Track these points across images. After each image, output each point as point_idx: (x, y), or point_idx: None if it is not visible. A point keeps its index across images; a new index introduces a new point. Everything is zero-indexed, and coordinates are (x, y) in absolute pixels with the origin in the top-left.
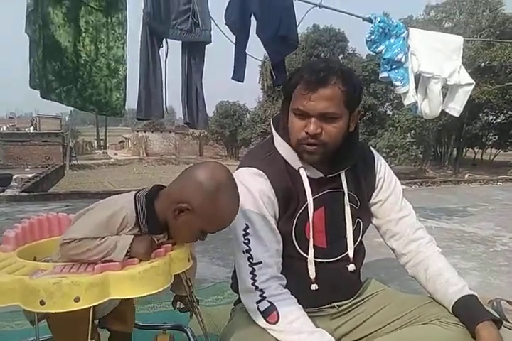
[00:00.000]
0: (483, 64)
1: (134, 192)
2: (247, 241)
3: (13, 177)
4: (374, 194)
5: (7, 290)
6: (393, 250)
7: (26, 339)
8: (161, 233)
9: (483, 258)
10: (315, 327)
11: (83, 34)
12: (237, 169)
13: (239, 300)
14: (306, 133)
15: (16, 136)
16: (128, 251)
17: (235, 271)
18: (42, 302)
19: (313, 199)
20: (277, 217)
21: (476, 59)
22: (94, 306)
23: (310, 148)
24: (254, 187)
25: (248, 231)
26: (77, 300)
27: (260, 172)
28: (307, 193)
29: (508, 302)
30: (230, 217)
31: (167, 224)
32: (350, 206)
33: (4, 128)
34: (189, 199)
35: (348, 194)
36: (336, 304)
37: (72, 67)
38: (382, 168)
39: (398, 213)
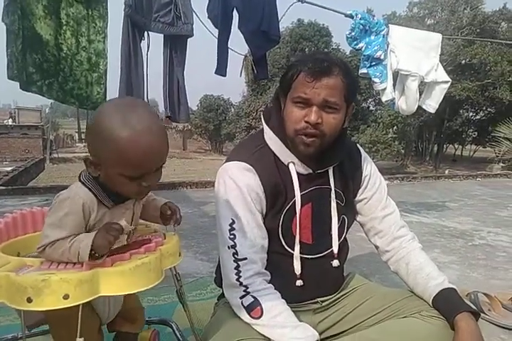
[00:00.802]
0: (463, 61)
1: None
2: (232, 236)
3: None
4: (360, 191)
5: None
6: (377, 247)
7: (7, 335)
8: (125, 200)
9: (462, 252)
10: (298, 322)
11: (64, 27)
12: (226, 162)
13: (222, 295)
14: (306, 122)
15: None
16: (92, 249)
17: (218, 265)
18: (29, 300)
19: (301, 195)
20: (264, 212)
21: (457, 56)
22: (93, 311)
23: (308, 140)
24: (242, 182)
25: (234, 226)
26: (66, 297)
27: (249, 166)
28: (295, 189)
29: (485, 294)
30: (139, 151)
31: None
32: (336, 203)
33: None
34: (90, 149)
35: (335, 190)
36: (319, 299)
37: (53, 60)
38: (369, 166)
39: (382, 211)
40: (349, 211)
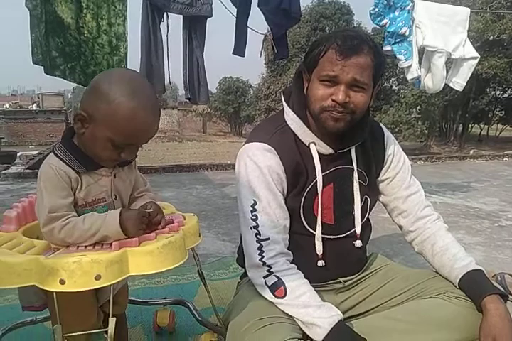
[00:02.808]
0: (491, 37)
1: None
2: (254, 217)
3: (18, 154)
4: (382, 171)
5: (22, 270)
6: (400, 227)
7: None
8: (99, 168)
9: (488, 233)
10: (322, 301)
11: (84, 10)
12: (246, 143)
13: (245, 274)
14: (334, 101)
15: (19, 114)
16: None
17: (240, 245)
18: (62, 282)
19: (323, 176)
20: (285, 193)
21: (485, 32)
22: (98, 291)
23: (337, 114)
24: (263, 163)
25: (256, 207)
26: (97, 278)
27: (270, 147)
28: (317, 169)
29: None
30: (136, 122)
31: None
32: (359, 183)
33: (7, 106)
34: (86, 106)
35: (357, 170)
36: (341, 279)
37: (75, 44)
38: (392, 145)
39: (406, 190)
40: (372, 191)
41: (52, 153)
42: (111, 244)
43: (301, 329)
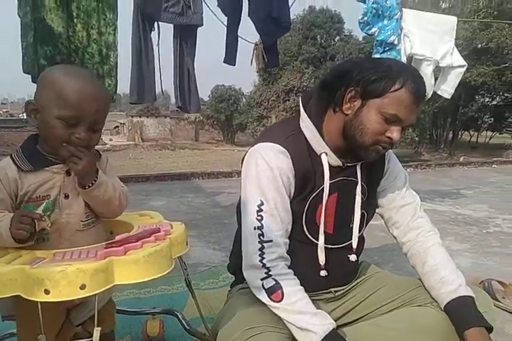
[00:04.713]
0: (479, 45)
1: None
2: (259, 217)
3: None
4: (380, 183)
5: (7, 280)
6: (395, 238)
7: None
8: (52, 164)
9: (476, 240)
10: (317, 309)
11: (75, 20)
12: (257, 143)
13: (235, 283)
14: (389, 138)
15: (10, 122)
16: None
17: (233, 251)
18: (46, 291)
19: (329, 184)
20: (291, 197)
21: (473, 40)
22: (70, 310)
23: (383, 151)
24: (275, 164)
25: (262, 207)
26: (82, 287)
27: (283, 149)
28: (325, 178)
29: (499, 282)
30: (76, 89)
31: (55, 152)
32: (360, 197)
33: None
34: (35, 98)
35: (361, 184)
36: (333, 289)
37: (66, 52)
38: (391, 160)
39: (401, 201)
40: (370, 206)
41: (9, 158)
42: (96, 254)
43: (289, 338)
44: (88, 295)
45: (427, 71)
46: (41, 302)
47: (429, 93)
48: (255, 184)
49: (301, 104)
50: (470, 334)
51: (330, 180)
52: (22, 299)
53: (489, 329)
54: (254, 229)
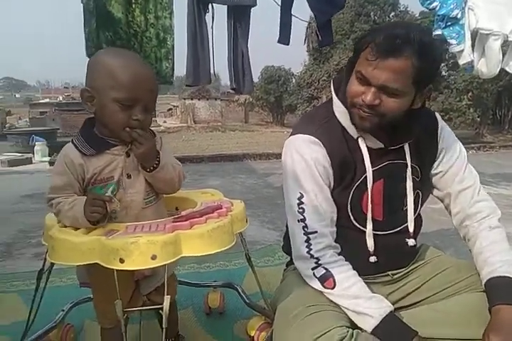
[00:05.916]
0: None
1: None
2: (301, 210)
3: None
4: (435, 164)
5: (87, 249)
6: (454, 224)
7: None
8: (112, 147)
9: None
10: (372, 293)
11: (133, 5)
12: (292, 134)
13: (291, 262)
14: (362, 100)
15: (71, 106)
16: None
17: (286, 232)
18: (121, 260)
19: (373, 171)
20: (332, 186)
21: None
22: (140, 280)
23: (364, 114)
24: (308, 156)
25: (302, 200)
26: (153, 258)
27: (315, 139)
28: (366, 165)
29: None
30: (130, 72)
31: (116, 136)
32: (412, 178)
33: (61, 99)
34: (88, 84)
35: (411, 166)
36: (390, 273)
37: (125, 37)
38: (446, 138)
39: (459, 185)
40: (425, 186)
41: (70, 143)
42: (164, 227)
43: (349, 318)
44: (158, 265)
45: (494, 46)
46: (116, 271)
47: (497, 70)
48: (292, 177)
49: (332, 89)
50: (495, 311)
51: (373, 166)
52: (97, 268)
53: None
54: (298, 221)
